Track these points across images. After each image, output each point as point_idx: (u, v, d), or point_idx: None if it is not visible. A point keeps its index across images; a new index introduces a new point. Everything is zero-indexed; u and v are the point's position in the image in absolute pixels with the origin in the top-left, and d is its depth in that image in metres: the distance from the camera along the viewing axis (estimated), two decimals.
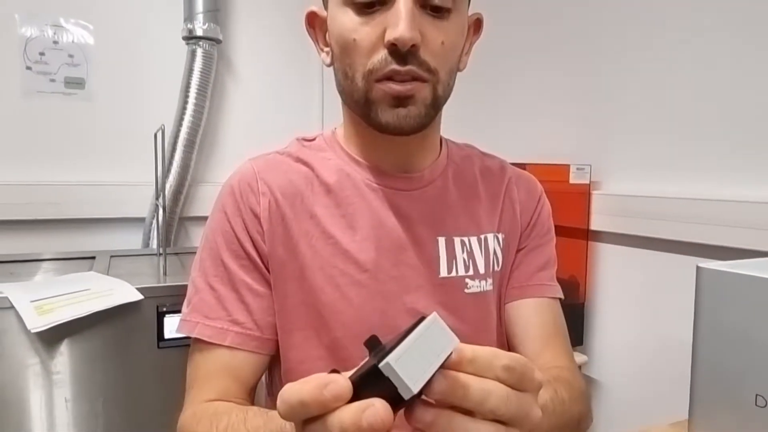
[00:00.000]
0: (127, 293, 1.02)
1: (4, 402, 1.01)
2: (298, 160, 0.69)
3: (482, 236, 0.73)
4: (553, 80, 1.80)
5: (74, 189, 1.63)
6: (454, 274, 0.69)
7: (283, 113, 1.94)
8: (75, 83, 1.63)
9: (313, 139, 0.72)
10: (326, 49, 0.66)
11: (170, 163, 1.66)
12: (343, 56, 0.61)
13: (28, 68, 1.58)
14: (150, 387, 1.10)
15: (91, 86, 1.65)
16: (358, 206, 0.66)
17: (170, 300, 1.10)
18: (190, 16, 1.66)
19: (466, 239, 0.71)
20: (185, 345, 1.13)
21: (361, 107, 0.62)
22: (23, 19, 1.57)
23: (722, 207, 1.26)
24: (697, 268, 0.81)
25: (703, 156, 1.35)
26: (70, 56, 1.62)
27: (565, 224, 1.61)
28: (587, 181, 1.60)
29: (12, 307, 0.96)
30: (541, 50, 1.86)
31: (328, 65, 0.65)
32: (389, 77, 0.58)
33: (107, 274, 1.17)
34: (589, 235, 1.63)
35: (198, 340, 0.63)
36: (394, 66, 0.57)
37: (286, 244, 0.64)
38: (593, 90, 1.65)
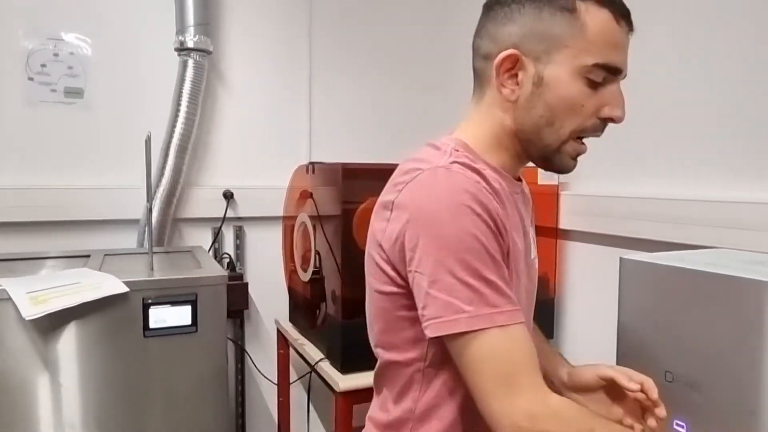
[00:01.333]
0: (115, 286, 1.12)
1: (5, 387, 1.11)
2: (473, 170, 0.72)
3: (533, 229, 0.89)
4: None
5: (74, 192, 1.74)
6: (533, 256, 0.85)
7: (272, 121, 2.04)
8: (74, 93, 1.74)
9: (458, 151, 0.76)
10: (514, 87, 0.73)
11: (163, 167, 1.77)
12: (561, 112, 0.72)
13: (30, 79, 1.69)
14: (137, 372, 1.20)
15: (89, 96, 1.76)
16: (510, 210, 0.76)
17: (155, 293, 1.20)
18: (181, 29, 1.77)
19: (532, 230, 0.87)
20: (168, 334, 1.24)
21: (549, 151, 0.75)
22: (26, 33, 1.68)
23: (680, 206, 1.34)
24: (620, 259, 0.89)
25: (664, 158, 1.43)
26: (70, 68, 1.73)
27: (535, 224, 1.70)
28: (556, 182, 1.69)
29: (9, 298, 1.06)
30: None
31: (513, 101, 0.74)
32: (585, 137, 0.74)
33: (99, 271, 1.27)
34: (558, 234, 1.71)
35: (489, 330, 0.65)
36: (599, 132, 0.75)
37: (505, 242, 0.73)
38: None
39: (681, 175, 1.39)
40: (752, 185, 1.22)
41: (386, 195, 0.75)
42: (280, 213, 1.97)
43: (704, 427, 0.76)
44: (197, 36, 1.76)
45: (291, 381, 2.01)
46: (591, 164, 1.61)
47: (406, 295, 0.71)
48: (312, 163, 1.66)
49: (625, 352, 0.88)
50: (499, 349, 0.64)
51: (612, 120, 0.73)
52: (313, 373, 1.61)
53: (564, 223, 1.69)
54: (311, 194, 1.66)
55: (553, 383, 0.87)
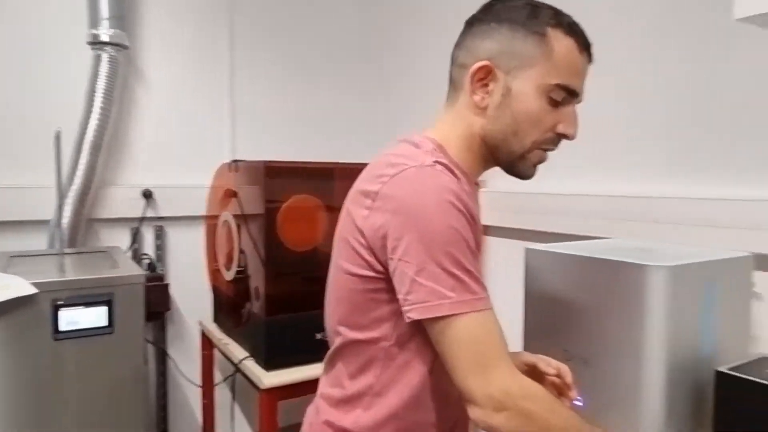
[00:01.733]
0: (21, 287, 1.07)
1: None
2: (451, 170, 0.78)
3: None
4: (442, 87, 1.96)
5: None
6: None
7: (193, 118, 2.00)
8: None
9: (435, 150, 0.82)
10: (484, 95, 0.81)
11: (76, 165, 1.69)
12: (524, 123, 0.81)
13: None
14: (47, 376, 1.15)
15: None
16: (475, 208, 0.82)
17: (67, 294, 1.15)
18: (94, 22, 1.70)
19: None
20: (83, 336, 1.20)
21: (513, 157, 0.83)
22: None
23: (582, 201, 1.45)
24: (525, 249, 0.96)
25: (570, 157, 1.53)
26: None
27: None
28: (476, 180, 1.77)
29: None
30: (437, 57, 2.02)
31: (483, 108, 0.82)
32: (545, 149, 0.84)
33: (4, 273, 1.21)
34: None
35: (468, 314, 0.71)
36: (553, 146, 0.84)
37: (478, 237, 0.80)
38: None
39: (584, 173, 1.50)
40: (642, 182, 1.35)
41: (367, 185, 0.79)
42: (203, 212, 1.94)
43: (598, 400, 0.84)
44: (112, 30, 1.70)
45: (215, 383, 1.98)
46: None
47: (381, 279, 0.77)
48: (235, 161, 1.65)
49: (530, 333, 0.95)
50: (477, 332, 0.71)
51: (566, 136, 0.82)
52: (237, 374, 1.61)
53: (483, 220, 1.77)
54: (235, 193, 1.65)
55: None
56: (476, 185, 0.92)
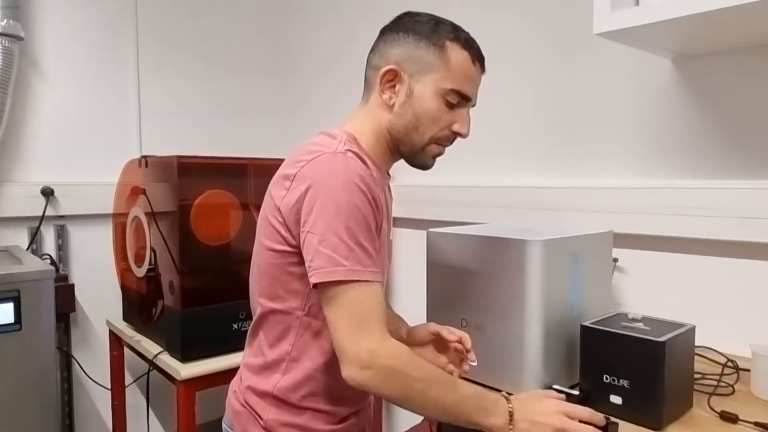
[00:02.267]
0: None
1: None
2: (362, 160, 0.88)
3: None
4: (348, 85, 2.06)
5: None
6: (391, 238, 1.05)
7: (97, 113, 1.94)
8: None
9: (349, 141, 0.92)
10: (391, 94, 0.94)
11: None
12: (424, 120, 0.93)
13: None
14: None
15: None
16: (381, 195, 0.91)
17: None
18: None
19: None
20: None
21: (415, 149, 0.95)
22: None
23: (474, 192, 1.60)
24: (427, 232, 1.08)
25: (469, 151, 1.69)
26: None
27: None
28: None
29: None
30: (335, 56, 2.11)
31: (390, 106, 0.94)
32: (444, 145, 0.96)
33: None
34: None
35: (357, 282, 0.81)
36: (449, 143, 0.97)
37: (382, 225, 0.90)
38: None
39: (476, 169, 1.65)
40: (522, 176, 1.52)
41: (287, 169, 0.89)
42: (108, 210, 1.89)
43: (490, 359, 0.97)
44: (6, 20, 1.63)
45: (126, 384, 1.94)
46: None
47: (295, 253, 0.86)
48: (144, 157, 1.64)
49: (432, 305, 1.07)
50: (360, 299, 0.81)
51: (460, 134, 0.95)
52: (151, 373, 1.60)
53: (393, 212, 1.89)
54: (144, 190, 1.64)
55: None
56: (388, 176, 1.02)
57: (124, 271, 1.82)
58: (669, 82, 1.24)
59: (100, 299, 1.93)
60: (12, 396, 1.20)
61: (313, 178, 0.84)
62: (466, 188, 1.64)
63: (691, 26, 0.99)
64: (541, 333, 0.91)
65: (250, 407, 0.93)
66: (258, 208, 0.97)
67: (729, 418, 0.84)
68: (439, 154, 0.98)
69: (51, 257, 1.84)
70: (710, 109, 1.19)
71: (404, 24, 0.94)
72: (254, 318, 0.96)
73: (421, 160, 0.97)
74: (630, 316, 0.93)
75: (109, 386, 1.91)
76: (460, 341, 1.00)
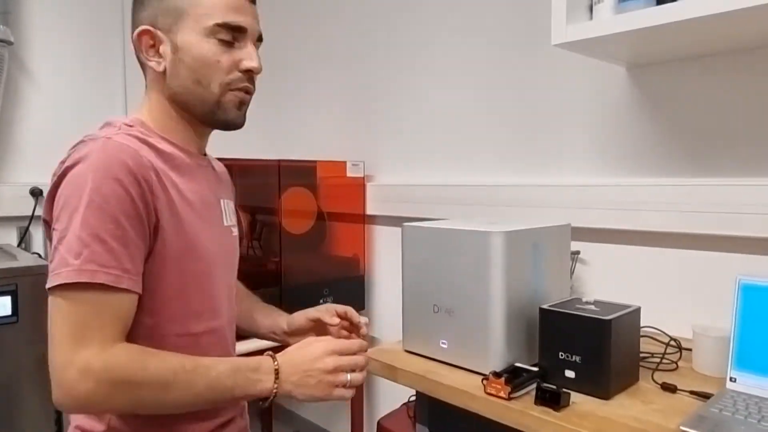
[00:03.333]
0: None
1: None
2: (144, 142, 0.80)
3: (228, 201, 0.99)
4: (332, 89, 2.15)
5: None
6: (228, 223, 0.96)
7: (86, 115, 2.00)
8: None
9: (131, 126, 0.84)
10: (158, 59, 0.84)
11: None
12: (202, 69, 0.82)
13: None
14: None
15: None
16: (191, 178, 0.86)
17: None
18: None
19: (225, 201, 0.97)
20: None
21: (208, 107, 0.84)
22: None
23: (444, 190, 1.70)
24: (402, 226, 1.17)
25: (443, 153, 1.78)
26: None
27: (345, 211, 1.96)
28: (362, 175, 1.97)
29: None
30: (319, 63, 2.20)
31: (162, 72, 0.84)
32: (241, 90, 0.85)
33: None
34: (366, 219, 2.00)
35: (86, 287, 0.69)
36: (246, 84, 0.86)
37: (168, 206, 0.79)
38: (365, 98, 2.03)
39: (448, 167, 1.75)
40: (487, 175, 1.63)
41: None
42: None
43: (459, 342, 1.06)
44: None
45: None
46: (391, 159, 1.93)
47: None
48: None
49: (408, 297, 1.15)
50: (85, 305, 0.69)
51: (251, 71, 0.84)
52: None
53: (370, 210, 1.98)
54: None
55: (275, 334, 1.04)
56: (204, 155, 0.93)
57: None
58: (623, 89, 1.35)
59: None
60: (9, 386, 1.25)
61: (67, 170, 0.74)
62: (439, 187, 1.74)
63: (637, 38, 1.09)
64: (504, 316, 1.01)
65: None
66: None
67: (669, 388, 0.95)
68: (243, 103, 0.86)
69: (40, 256, 1.89)
70: (658, 113, 1.30)
71: None
72: None
73: (223, 115, 0.85)
74: (584, 299, 1.03)
75: None
76: (345, 317, 0.98)
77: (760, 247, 1.14)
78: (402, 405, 1.64)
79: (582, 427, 0.82)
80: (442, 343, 1.09)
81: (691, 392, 0.93)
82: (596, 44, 1.12)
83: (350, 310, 0.98)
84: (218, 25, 0.82)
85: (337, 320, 1.00)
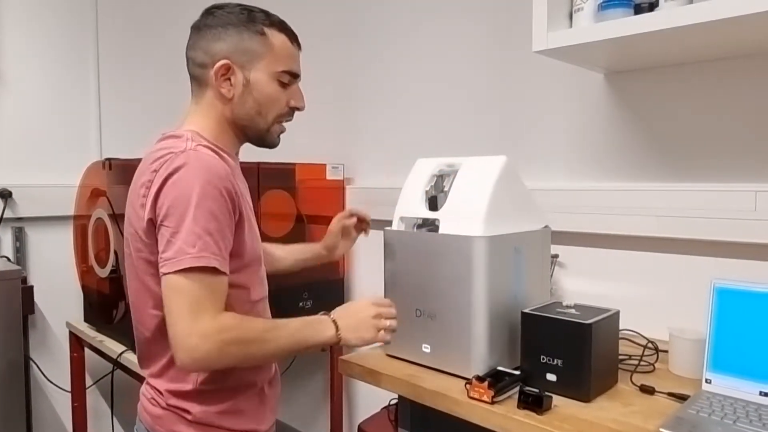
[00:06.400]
0: None
1: None
2: (212, 150, 0.95)
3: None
4: (312, 91, 2.13)
5: None
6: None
7: (56, 116, 1.94)
8: None
9: (195, 138, 0.97)
10: (229, 87, 0.99)
11: None
12: (266, 105, 1.01)
13: None
14: None
15: None
16: (240, 181, 1.02)
17: None
18: None
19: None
20: None
21: (261, 133, 1.04)
22: None
23: None
24: (384, 230, 1.17)
25: (429, 154, 1.78)
26: None
27: (324, 214, 1.95)
28: (341, 177, 1.96)
29: None
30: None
31: (230, 98, 0.99)
32: (283, 122, 1.06)
33: None
34: None
35: (202, 270, 0.85)
36: (290, 118, 1.07)
37: (240, 210, 0.95)
38: (345, 101, 2.02)
39: None
40: None
41: (142, 177, 0.93)
42: (67, 212, 1.89)
43: (441, 345, 1.06)
44: None
45: (87, 386, 1.95)
46: (371, 162, 1.93)
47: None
48: (108, 160, 1.66)
49: (389, 298, 1.15)
50: (200, 285, 0.85)
51: (298, 109, 1.06)
52: (114, 373, 1.62)
53: None
54: (105, 192, 1.66)
55: (307, 260, 1.34)
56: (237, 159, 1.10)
57: (84, 273, 1.84)
58: (600, 96, 1.38)
59: (59, 301, 1.93)
60: None
61: (168, 177, 0.88)
62: None
63: (615, 46, 1.11)
64: (486, 320, 1.01)
65: (175, 407, 0.96)
66: None
67: (647, 390, 0.97)
68: (283, 132, 1.07)
69: (9, 259, 1.84)
70: (635, 120, 1.32)
71: (218, 18, 0.99)
72: (148, 332, 0.98)
73: (268, 140, 1.06)
74: (564, 303, 1.04)
75: (68, 389, 1.92)
76: (353, 215, 1.30)
77: (735, 251, 1.17)
78: (382, 408, 1.63)
79: (564, 430, 0.83)
80: (425, 347, 1.09)
81: (669, 394, 0.95)
82: (576, 51, 1.14)
83: (354, 209, 1.32)
84: (284, 71, 1.01)
85: (353, 220, 1.31)
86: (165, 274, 0.86)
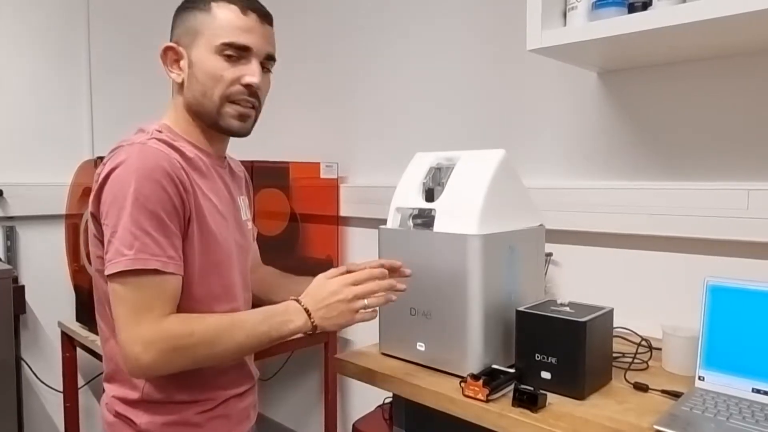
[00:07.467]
0: None
1: None
2: (172, 147, 0.92)
3: (244, 198, 1.12)
4: (306, 90, 2.13)
5: None
6: (245, 218, 1.10)
7: (47, 115, 1.93)
8: None
9: (161, 131, 0.95)
10: (178, 72, 0.97)
11: None
12: (208, 82, 0.94)
13: None
14: None
15: None
16: (211, 179, 0.98)
17: None
18: None
19: (242, 198, 1.10)
20: None
21: (212, 115, 0.96)
22: None
23: None
24: (379, 228, 1.16)
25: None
26: None
27: (318, 212, 1.95)
28: (335, 176, 1.96)
29: None
30: (293, 64, 2.18)
31: (180, 83, 0.97)
32: (240, 102, 0.96)
33: None
34: (339, 221, 1.99)
35: (141, 273, 0.82)
36: (247, 97, 0.96)
37: (195, 202, 0.90)
38: (339, 99, 2.02)
39: None
40: None
41: (97, 170, 0.91)
42: (59, 211, 1.88)
43: (437, 344, 1.06)
44: None
45: (80, 386, 1.94)
46: (365, 161, 1.92)
47: None
48: (100, 158, 1.65)
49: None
50: (142, 288, 0.82)
51: (249, 85, 0.95)
52: None
53: (344, 211, 1.97)
54: None
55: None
56: (223, 158, 1.06)
57: (76, 272, 1.82)
58: (594, 94, 1.38)
59: (51, 301, 1.92)
60: None
61: (110, 171, 0.85)
62: None
63: (609, 45, 1.12)
64: (481, 318, 1.01)
65: (123, 416, 0.93)
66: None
67: (641, 387, 0.97)
68: (244, 114, 0.97)
69: (0, 258, 1.82)
70: (629, 118, 1.33)
71: (179, 6, 0.99)
72: (101, 332, 0.97)
73: (223, 124, 0.97)
74: (558, 301, 1.04)
75: (60, 389, 1.90)
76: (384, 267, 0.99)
77: (727, 249, 1.18)
78: (377, 407, 1.63)
79: (559, 427, 0.83)
80: (419, 345, 1.09)
81: (663, 391, 0.95)
82: (569, 50, 1.14)
83: (388, 262, 1.03)
84: (224, 43, 0.93)
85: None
86: (108, 276, 0.83)
